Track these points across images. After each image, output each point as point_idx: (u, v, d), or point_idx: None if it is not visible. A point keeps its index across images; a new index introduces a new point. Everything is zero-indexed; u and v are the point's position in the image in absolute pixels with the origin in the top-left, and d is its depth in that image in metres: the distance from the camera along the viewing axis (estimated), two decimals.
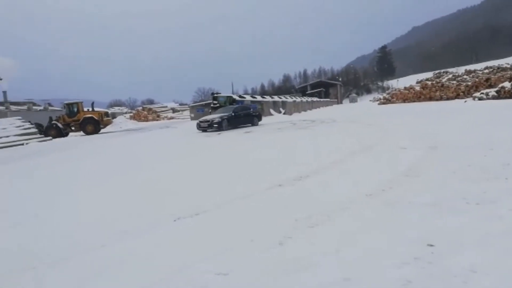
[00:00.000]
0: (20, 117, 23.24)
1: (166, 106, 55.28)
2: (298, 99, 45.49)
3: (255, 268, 2.97)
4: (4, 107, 35.40)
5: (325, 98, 72.08)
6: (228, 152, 10.86)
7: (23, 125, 20.86)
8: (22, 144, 18.56)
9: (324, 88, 78.43)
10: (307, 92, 74.59)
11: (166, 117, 49.24)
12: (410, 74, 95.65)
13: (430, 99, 35.20)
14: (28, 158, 13.53)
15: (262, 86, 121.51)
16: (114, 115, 43.03)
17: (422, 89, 37.33)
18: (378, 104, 42.95)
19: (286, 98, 41.47)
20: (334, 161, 7.33)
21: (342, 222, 3.87)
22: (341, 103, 74.97)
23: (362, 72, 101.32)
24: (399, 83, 71.98)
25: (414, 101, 36.89)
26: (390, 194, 4.71)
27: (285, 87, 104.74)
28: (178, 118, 47.28)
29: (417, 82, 46.22)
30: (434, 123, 13.17)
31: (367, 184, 5.28)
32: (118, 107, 77.91)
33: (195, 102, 68.30)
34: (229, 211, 4.72)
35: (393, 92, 48.12)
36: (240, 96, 33.88)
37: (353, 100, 74.16)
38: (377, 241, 3.28)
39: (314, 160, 7.66)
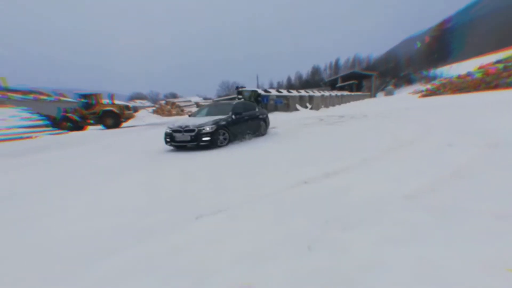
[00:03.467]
0: (26, 108, 22.98)
1: (190, 101, 55.48)
2: (327, 93, 44.69)
3: (282, 278, 2.69)
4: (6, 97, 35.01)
5: (357, 91, 70.13)
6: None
7: (31, 117, 20.81)
8: (31, 137, 18.57)
9: (357, 80, 75.42)
10: (337, 85, 72.91)
11: (189, 111, 49.51)
12: (470, 58, 77.39)
13: (496, 87, 29.44)
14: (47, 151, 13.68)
15: (289, 80, 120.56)
16: (135, 109, 43.52)
17: (484, 76, 31.66)
18: (419, 97, 40.48)
19: (314, 92, 40.80)
20: (364, 159, 6.90)
21: (380, 227, 3.47)
22: (374, 96, 72.42)
23: (405, 59, 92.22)
24: (454, 70, 61.45)
25: (469, 91, 31.54)
26: (437, 197, 4.23)
27: (313, 80, 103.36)
28: None
29: (479, 68, 39.13)
30: (494, 117, 11.37)
31: (407, 184, 4.84)
32: (140, 100, 79.21)
33: (219, 96, 68.54)
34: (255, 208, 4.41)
35: (441, 82, 42.52)
36: (265, 91, 33.55)
37: (389, 93, 71.08)
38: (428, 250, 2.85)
39: (342, 158, 7.23)
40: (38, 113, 22.11)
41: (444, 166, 5.64)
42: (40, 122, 20.85)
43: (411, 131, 10.17)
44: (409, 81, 79.65)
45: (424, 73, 76.05)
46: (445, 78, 46.41)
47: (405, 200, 4.26)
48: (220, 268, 2.99)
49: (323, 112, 29.88)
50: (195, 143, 10.67)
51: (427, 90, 41.79)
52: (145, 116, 41.75)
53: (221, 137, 11.15)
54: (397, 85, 79.15)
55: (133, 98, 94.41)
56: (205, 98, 71.68)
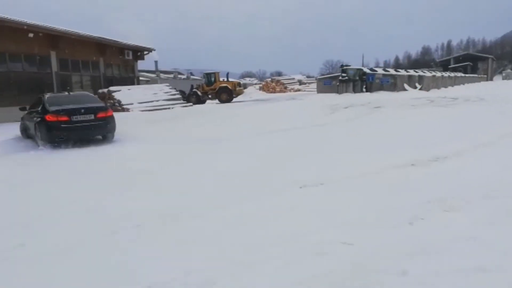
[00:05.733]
0: (167, 84, 26.49)
1: (293, 78, 55.81)
2: (438, 74, 40.82)
3: (381, 242, 2.93)
4: (155, 75, 40.79)
5: (471, 73, 62.63)
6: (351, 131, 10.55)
7: (170, 91, 23.76)
8: (169, 108, 21.25)
9: (471, 62, 67.71)
10: (449, 67, 65.83)
11: (292, 89, 49.97)
12: None
13: None
14: (177, 119, 15.48)
15: (396, 59, 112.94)
16: (245, 86, 45.60)
17: None
18: None
19: (424, 72, 37.64)
20: (482, 144, 6.49)
21: (485, 211, 3.48)
22: (491, 80, 64.17)
23: None
24: None
25: None
26: None
27: (423, 60, 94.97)
28: (304, 91, 47.52)
29: None
30: None
31: None
32: (249, 78, 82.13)
33: (322, 74, 67.35)
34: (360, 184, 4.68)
35: None
36: (371, 69, 32.11)
37: (507, 77, 62.66)
38: None
39: (452, 141, 6.93)
40: (175, 88, 25.13)
41: None
42: (176, 96, 23.72)
43: None
44: None
45: None
46: None
47: None
48: (324, 229, 3.33)
49: (434, 93, 27.59)
50: None
51: None
52: (252, 92, 43.60)
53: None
54: None
55: (243, 76, 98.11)
56: (308, 76, 71.04)
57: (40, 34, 17.45)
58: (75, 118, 9.21)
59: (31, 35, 16.74)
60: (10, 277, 2.76)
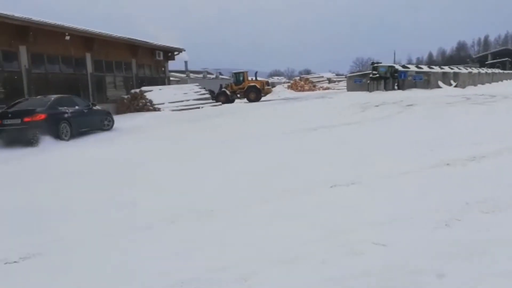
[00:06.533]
0: (197, 84, 26.93)
1: (322, 76, 55.18)
2: (475, 70, 39.20)
3: (416, 243, 2.85)
4: (185, 75, 41.53)
5: (510, 70, 59.65)
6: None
7: (200, 91, 24.13)
8: (198, 108, 21.57)
9: (510, 57, 64.41)
10: (486, 63, 63.00)
11: (321, 87, 49.46)
12: None
13: None
14: (210, 118, 15.73)
15: (430, 55, 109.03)
16: (273, 84, 45.58)
17: None
18: None
19: (460, 69, 36.25)
20: None
21: None
22: None
23: None
24: None
25: None
26: None
27: (458, 56, 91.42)
28: (334, 89, 46.93)
29: None
30: None
31: None
32: (277, 77, 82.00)
33: (352, 72, 66.26)
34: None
35: None
36: (403, 66, 31.25)
37: None
38: None
39: (491, 141, 6.63)
40: (204, 88, 25.51)
41: None
42: (205, 96, 24.06)
43: None
44: None
45: None
46: None
47: None
48: (357, 230, 3.28)
49: (470, 90, 26.53)
50: None
51: None
52: (280, 91, 43.62)
53: None
54: None
55: (272, 74, 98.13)
56: (337, 74, 70.11)
57: (76, 37, 18.13)
58: (5, 121, 9.85)
59: (67, 37, 17.42)
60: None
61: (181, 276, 2.55)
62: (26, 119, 9.83)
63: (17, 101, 11.82)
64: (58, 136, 10.53)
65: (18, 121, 9.83)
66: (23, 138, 9.90)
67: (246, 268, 2.60)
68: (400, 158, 5.94)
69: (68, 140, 10.98)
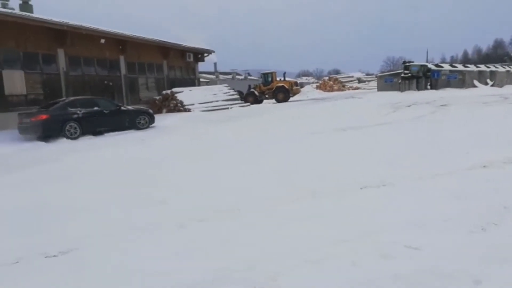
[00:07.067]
0: (226, 85, 27.18)
1: (352, 76, 54.29)
2: None
3: (450, 247, 2.75)
4: (215, 76, 42.05)
5: None
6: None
7: (228, 92, 24.34)
8: (227, 108, 21.77)
9: None
10: None
11: (351, 87, 48.66)
12: None
13: None
14: (237, 119, 15.85)
15: (465, 54, 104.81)
16: (302, 85, 45.32)
17: None
18: None
19: (497, 67, 34.65)
20: None
21: None
22: None
23: None
24: None
25: None
26: None
27: (495, 55, 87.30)
28: (364, 89, 46.07)
29: None
30: None
31: None
32: (306, 77, 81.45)
33: (382, 72, 64.87)
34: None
35: None
36: (436, 65, 30.25)
37: None
38: None
39: None
40: (233, 89, 25.74)
41: None
42: (234, 96, 24.26)
43: None
44: None
45: None
46: None
47: None
48: (389, 232, 3.20)
49: (508, 89, 25.33)
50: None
51: None
52: (309, 91, 43.30)
53: None
54: None
55: (300, 75, 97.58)
56: (367, 74, 68.78)
57: (110, 40, 18.75)
58: (24, 120, 11.68)
59: (103, 41, 18.04)
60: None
61: (212, 274, 2.59)
62: (32, 119, 11.36)
63: (52, 102, 13.06)
64: (63, 134, 11.75)
65: (28, 120, 11.39)
66: (32, 135, 11.59)
67: (274, 268, 2.61)
68: (433, 159, 5.75)
69: (75, 138, 11.97)
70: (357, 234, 3.14)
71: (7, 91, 14.03)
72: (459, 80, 26.96)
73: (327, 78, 53.51)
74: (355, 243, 2.95)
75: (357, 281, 2.35)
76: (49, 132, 11.63)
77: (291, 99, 29.17)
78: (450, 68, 29.09)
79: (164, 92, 21.21)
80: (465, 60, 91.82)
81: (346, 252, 2.79)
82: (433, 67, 28.64)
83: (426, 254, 2.68)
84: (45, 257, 3.16)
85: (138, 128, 14.04)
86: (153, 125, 14.77)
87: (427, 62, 40.59)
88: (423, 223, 3.27)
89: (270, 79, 29.12)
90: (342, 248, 2.87)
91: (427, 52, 67.46)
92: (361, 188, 4.54)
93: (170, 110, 19.83)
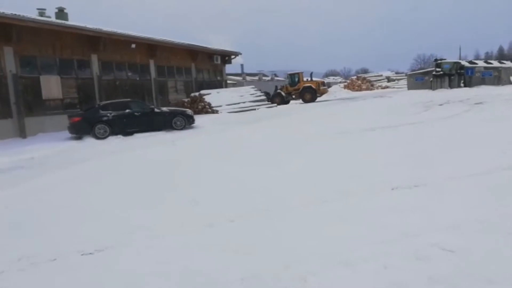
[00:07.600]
0: (253, 86, 27.29)
1: (381, 75, 53.01)
2: None
3: (488, 250, 2.65)
4: (241, 78, 42.32)
5: None
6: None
7: (255, 93, 24.42)
8: (254, 109, 21.85)
9: None
10: None
11: (380, 86, 47.61)
12: None
13: None
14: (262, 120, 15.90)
15: (501, 49, 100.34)
16: (329, 85, 44.83)
17: None
18: None
19: None
20: None
21: None
22: None
23: None
24: None
25: None
26: None
27: None
28: (393, 88, 44.96)
29: None
30: None
31: None
32: (333, 77, 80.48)
33: (413, 70, 63.16)
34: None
35: None
36: (470, 62, 29.14)
37: None
38: None
39: None
40: (260, 90, 25.84)
41: None
42: (261, 98, 24.35)
43: None
44: None
45: None
46: None
47: None
48: (423, 234, 3.11)
49: None
50: None
51: None
52: (336, 91, 42.79)
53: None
54: None
55: (327, 75, 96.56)
56: (397, 72, 67.14)
57: (141, 44, 19.25)
58: (69, 121, 13.08)
59: (133, 45, 18.56)
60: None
61: (243, 274, 2.61)
62: (71, 121, 12.96)
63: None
64: (93, 135, 12.84)
65: (69, 121, 12.99)
66: (73, 134, 13.16)
67: (306, 268, 2.60)
68: (468, 159, 5.55)
69: (104, 138, 12.90)
70: (390, 236, 3.08)
71: (44, 95, 14.73)
72: (495, 77, 25.91)
73: (354, 77, 52.63)
74: (388, 245, 2.89)
75: (389, 284, 2.31)
76: (80, 132, 13.02)
77: (318, 99, 28.88)
78: (485, 64, 27.99)
79: (192, 94, 21.57)
80: (501, 56, 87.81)
81: (379, 254, 2.74)
82: (466, 64, 27.66)
83: (464, 257, 2.60)
84: (82, 254, 3.29)
85: (173, 129, 14.35)
86: (193, 125, 15.10)
87: (460, 59, 39.16)
88: (458, 224, 3.17)
89: (296, 79, 28.90)
90: (375, 250, 2.83)
91: (460, 48, 65.13)
92: (392, 189, 4.45)
93: (198, 112, 20.15)
